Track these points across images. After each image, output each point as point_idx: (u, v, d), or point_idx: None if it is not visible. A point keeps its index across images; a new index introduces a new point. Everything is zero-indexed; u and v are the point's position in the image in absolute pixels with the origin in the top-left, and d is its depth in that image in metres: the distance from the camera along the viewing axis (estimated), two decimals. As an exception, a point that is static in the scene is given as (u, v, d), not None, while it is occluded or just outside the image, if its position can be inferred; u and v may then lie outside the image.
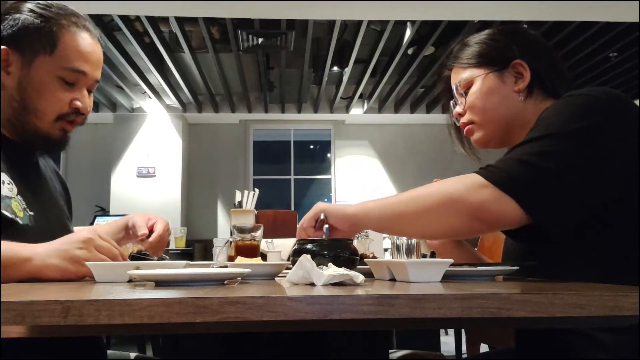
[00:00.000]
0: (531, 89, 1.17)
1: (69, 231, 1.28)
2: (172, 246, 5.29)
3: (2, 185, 1.09)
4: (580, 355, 0.96)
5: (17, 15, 1.16)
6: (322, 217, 1.13)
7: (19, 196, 1.12)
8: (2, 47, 1.15)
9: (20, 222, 1.09)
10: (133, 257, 1.16)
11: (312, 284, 0.81)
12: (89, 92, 1.24)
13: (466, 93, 1.22)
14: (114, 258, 1.02)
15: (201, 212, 8.58)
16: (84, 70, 1.19)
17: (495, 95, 1.19)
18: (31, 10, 1.17)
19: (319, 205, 1.15)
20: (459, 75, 1.24)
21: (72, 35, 1.18)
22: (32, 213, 1.13)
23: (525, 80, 1.17)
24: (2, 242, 0.95)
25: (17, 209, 1.10)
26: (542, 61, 1.19)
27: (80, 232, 1.02)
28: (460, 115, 1.25)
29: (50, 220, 1.20)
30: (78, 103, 1.20)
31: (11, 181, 1.12)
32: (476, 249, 1.17)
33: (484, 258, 1.42)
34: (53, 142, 1.21)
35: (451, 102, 1.29)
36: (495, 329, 1.72)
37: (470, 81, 1.21)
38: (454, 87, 1.25)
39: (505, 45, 1.20)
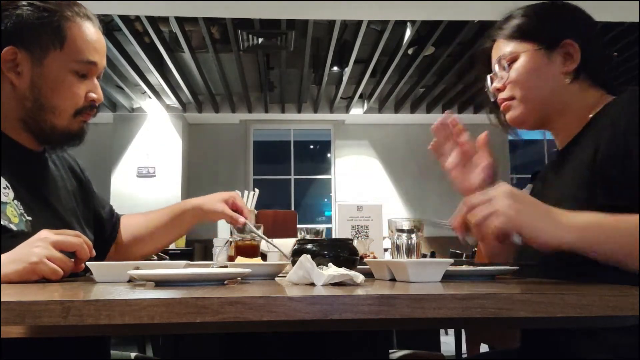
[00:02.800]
0: (578, 73, 1.11)
1: (81, 226, 1.26)
2: (172, 246, 5.30)
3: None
4: (586, 356, 0.95)
5: (18, 12, 1.12)
6: (516, 239, 0.88)
7: (15, 201, 1.10)
8: (9, 46, 1.11)
9: (15, 228, 1.06)
10: None
11: (312, 284, 0.81)
12: (97, 79, 1.23)
13: (509, 67, 1.15)
14: (73, 248, 0.98)
15: (201, 212, 8.56)
16: (95, 61, 1.18)
17: (540, 73, 1.12)
18: (31, 5, 1.13)
19: (510, 216, 0.87)
20: (503, 48, 1.17)
21: (79, 27, 1.16)
22: (29, 218, 1.10)
23: (574, 62, 1.10)
24: None
25: (12, 215, 1.07)
26: (592, 44, 1.12)
27: (39, 232, 0.98)
28: (499, 90, 1.18)
29: (52, 224, 1.17)
30: (93, 95, 1.19)
31: (8, 185, 1.09)
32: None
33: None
34: (73, 137, 1.20)
35: (488, 76, 1.22)
36: (495, 329, 1.72)
37: (516, 55, 1.14)
38: (495, 60, 1.18)
39: (557, 22, 1.13)
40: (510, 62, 1.15)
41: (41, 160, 1.24)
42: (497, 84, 1.18)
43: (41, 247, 0.94)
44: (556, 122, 1.15)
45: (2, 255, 0.94)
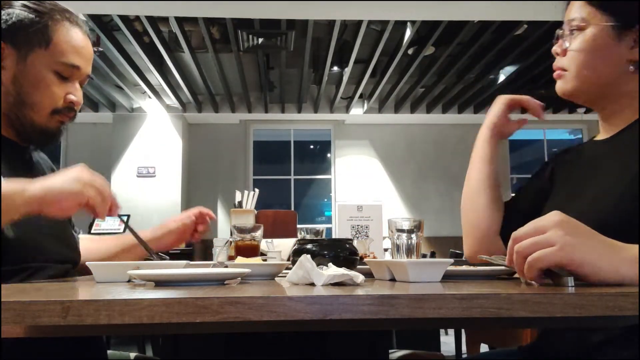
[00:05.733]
0: None
1: (64, 226, 1.28)
2: (172, 246, 5.29)
3: None
4: (604, 355, 0.94)
5: (10, 10, 1.17)
6: (569, 283, 0.74)
7: None
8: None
9: None
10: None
11: (312, 284, 0.81)
12: (80, 86, 1.27)
13: (576, 34, 1.06)
14: (103, 202, 1.04)
15: (201, 212, 8.57)
16: (78, 65, 1.22)
17: (604, 54, 1.03)
18: (24, 6, 1.18)
19: (568, 252, 0.73)
20: (578, 10, 1.07)
21: (66, 30, 1.21)
22: None
23: None
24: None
25: None
26: None
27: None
28: (558, 55, 1.11)
29: (44, 217, 1.19)
30: (72, 97, 1.23)
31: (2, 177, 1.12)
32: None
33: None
34: (49, 135, 1.23)
35: (558, 30, 1.13)
36: (495, 329, 1.72)
37: (585, 25, 1.05)
38: (567, 19, 1.08)
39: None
40: (580, 30, 1.06)
41: (27, 155, 1.27)
42: (557, 48, 1.11)
43: (87, 173, 1.02)
44: (607, 107, 1.09)
45: (61, 174, 1.01)
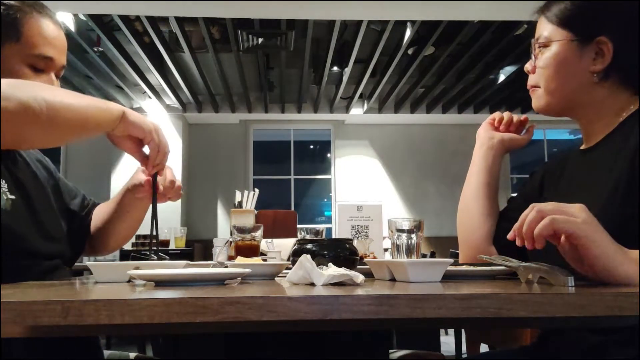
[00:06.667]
0: (608, 73, 1.07)
1: (51, 218, 1.27)
2: (172, 246, 5.30)
3: None
4: (608, 355, 0.94)
5: None
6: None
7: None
8: None
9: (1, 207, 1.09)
10: (133, 257, 1.16)
11: (312, 284, 0.81)
12: (56, 78, 1.26)
13: (541, 52, 1.13)
14: (163, 154, 1.16)
15: (201, 212, 8.58)
16: (51, 56, 1.21)
17: (568, 68, 1.10)
18: None
19: (586, 229, 0.78)
20: (542, 28, 1.14)
21: (36, 22, 1.20)
22: (13, 197, 1.14)
23: (604, 62, 1.06)
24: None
25: None
26: (628, 45, 1.06)
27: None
28: (529, 72, 1.17)
29: (30, 206, 1.20)
30: None
31: None
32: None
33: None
34: None
35: (530, 49, 1.19)
36: (495, 329, 1.72)
37: (548, 42, 1.12)
38: (534, 39, 1.16)
39: (596, 15, 1.08)
40: (544, 47, 1.13)
41: (12, 152, 1.26)
42: (527, 66, 1.17)
43: (160, 140, 1.14)
44: (582, 116, 1.13)
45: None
